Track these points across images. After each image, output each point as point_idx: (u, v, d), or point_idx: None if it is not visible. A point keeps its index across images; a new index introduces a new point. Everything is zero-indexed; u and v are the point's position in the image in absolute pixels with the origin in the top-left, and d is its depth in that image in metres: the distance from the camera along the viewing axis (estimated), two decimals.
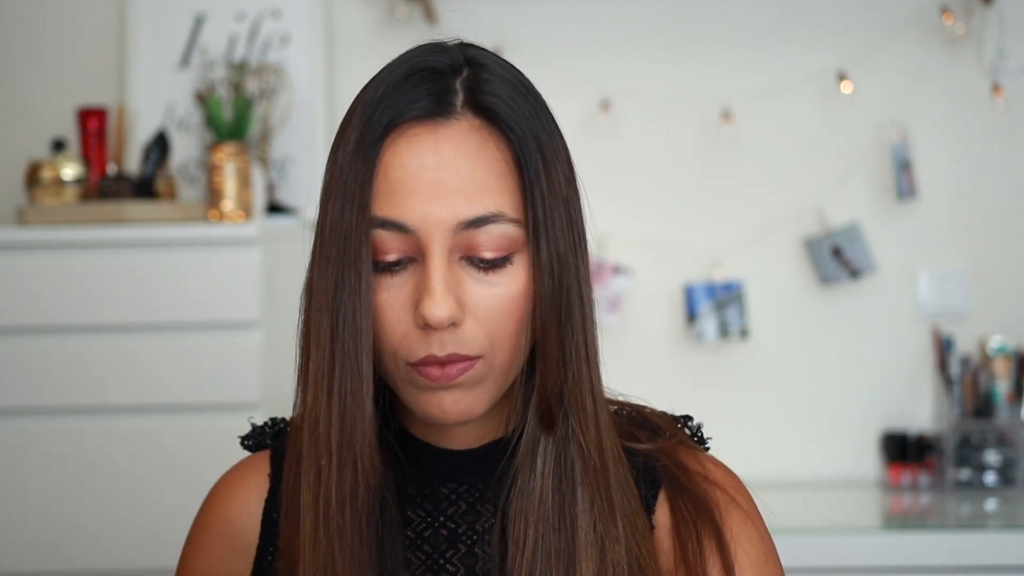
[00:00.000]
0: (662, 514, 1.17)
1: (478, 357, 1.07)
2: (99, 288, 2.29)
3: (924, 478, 2.64)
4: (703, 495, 1.17)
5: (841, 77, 2.70)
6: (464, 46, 1.12)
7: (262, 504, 1.19)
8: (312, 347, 1.08)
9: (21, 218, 2.42)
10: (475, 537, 1.14)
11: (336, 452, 1.07)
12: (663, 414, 1.23)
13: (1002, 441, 2.61)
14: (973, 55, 2.70)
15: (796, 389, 2.76)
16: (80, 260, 2.30)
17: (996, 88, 2.66)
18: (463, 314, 1.06)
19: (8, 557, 2.28)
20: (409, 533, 1.15)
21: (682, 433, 1.22)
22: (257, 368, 2.29)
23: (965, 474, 2.61)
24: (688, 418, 1.24)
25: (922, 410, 2.73)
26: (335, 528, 1.08)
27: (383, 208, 1.06)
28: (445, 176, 1.05)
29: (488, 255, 1.06)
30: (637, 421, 1.21)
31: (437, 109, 1.07)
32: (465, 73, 1.09)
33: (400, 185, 1.06)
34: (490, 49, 1.15)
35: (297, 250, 2.61)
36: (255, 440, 1.25)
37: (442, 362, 1.06)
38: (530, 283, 1.08)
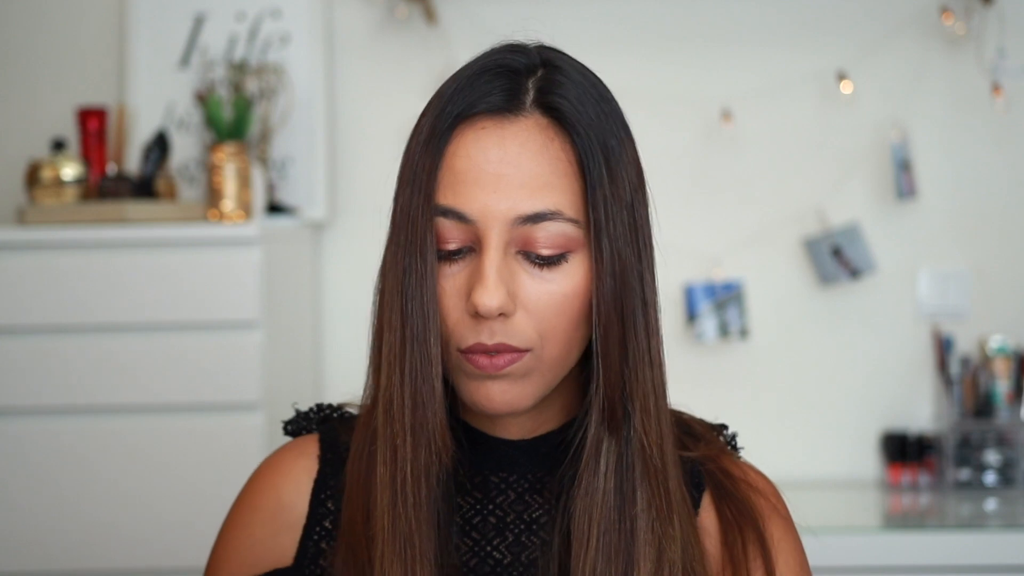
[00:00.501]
0: (706, 518, 1.19)
1: (527, 350, 1.09)
2: (99, 288, 2.29)
3: (924, 478, 2.65)
4: (747, 501, 1.20)
5: (841, 77, 2.70)
6: (543, 48, 1.16)
7: (311, 484, 1.20)
8: (385, 329, 1.11)
9: (21, 218, 2.42)
10: (523, 526, 1.17)
11: (410, 430, 1.10)
12: (701, 421, 1.26)
13: (1002, 441, 2.61)
14: (973, 55, 2.70)
15: (796, 389, 2.76)
16: (80, 260, 2.30)
17: (996, 88, 2.66)
18: (514, 306, 1.08)
19: (8, 557, 2.28)
20: (457, 519, 1.17)
21: (720, 440, 1.25)
22: (257, 368, 2.29)
23: (965, 474, 2.61)
24: (724, 427, 1.28)
25: (922, 410, 2.73)
26: (411, 503, 1.10)
27: (446, 197, 1.09)
28: (508, 170, 1.08)
29: (544, 251, 1.08)
30: (680, 427, 1.23)
31: (506, 105, 1.09)
32: (539, 73, 1.12)
33: (463, 175, 1.09)
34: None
35: (297, 250, 2.61)
36: (297, 425, 1.26)
37: (490, 351, 1.09)
38: (585, 283, 1.09)
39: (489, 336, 1.08)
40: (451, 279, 1.10)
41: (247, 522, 1.21)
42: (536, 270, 1.09)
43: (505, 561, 1.16)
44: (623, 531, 1.11)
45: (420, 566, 1.10)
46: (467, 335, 1.09)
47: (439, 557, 1.12)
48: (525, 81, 1.11)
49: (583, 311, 1.10)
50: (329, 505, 1.19)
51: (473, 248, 1.09)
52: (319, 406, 1.26)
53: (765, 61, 2.74)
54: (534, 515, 1.17)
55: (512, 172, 1.08)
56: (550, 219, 1.08)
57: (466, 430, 1.17)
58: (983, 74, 2.68)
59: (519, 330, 1.09)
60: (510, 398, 1.10)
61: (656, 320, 1.13)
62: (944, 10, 2.69)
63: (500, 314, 1.08)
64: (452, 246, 1.09)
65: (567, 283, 1.09)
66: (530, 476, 1.17)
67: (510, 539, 1.17)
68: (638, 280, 1.11)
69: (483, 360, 1.09)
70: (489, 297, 1.07)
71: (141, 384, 2.29)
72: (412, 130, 1.14)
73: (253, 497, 1.22)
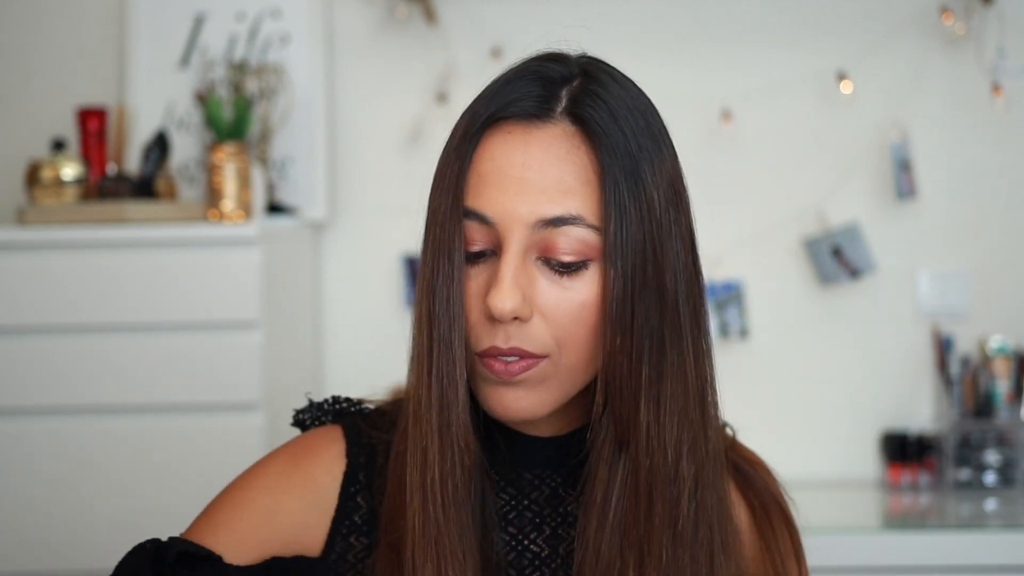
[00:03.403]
0: (739, 511, 1.22)
1: (543, 356, 1.09)
2: (99, 288, 2.29)
3: (924, 478, 2.65)
4: (768, 487, 1.24)
5: (841, 77, 2.70)
6: (585, 59, 1.16)
7: (341, 475, 1.20)
8: (416, 330, 1.12)
9: (21, 218, 2.42)
10: (559, 519, 1.18)
11: (436, 432, 1.11)
12: None
13: (1002, 441, 2.61)
14: (973, 55, 2.70)
15: (796, 389, 2.75)
16: (80, 260, 2.30)
17: (996, 88, 2.66)
18: (530, 310, 1.09)
19: (8, 557, 2.28)
20: (494, 515, 1.17)
21: (724, 431, 1.27)
22: (257, 368, 2.29)
23: (965, 474, 2.61)
24: (724, 424, 1.28)
25: (922, 410, 2.73)
26: (439, 504, 1.11)
27: (471, 199, 1.10)
28: (530, 174, 1.08)
29: (565, 258, 1.09)
30: None
31: (536, 111, 1.10)
32: (576, 83, 1.12)
33: (487, 178, 1.09)
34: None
35: (297, 250, 2.61)
36: (311, 416, 1.26)
37: (505, 355, 1.09)
38: (604, 290, 1.09)
39: (504, 340, 1.09)
40: (474, 280, 1.10)
41: (274, 489, 1.19)
42: (556, 277, 1.09)
43: (543, 554, 1.18)
44: (630, 549, 1.11)
45: (451, 566, 1.11)
46: (483, 338, 1.10)
47: (480, 552, 1.13)
48: (559, 89, 1.11)
49: (602, 318, 1.09)
50: (359, 500, 1.18)
51: (496, 251, 1.10)
52: (335, 398, 1.26)
53: (765, 61, 2.74)
54: (569, 508, 1.18)
55: (534, 176, 1.08)
56: (571, 223, 1.08)
57: (498, 428, 1.17)
58: (983, 74, 2.69)
59: (535, 335, 1.09)
60: (525, 405, 1.11)
61: (690, 337, 1.11)
62: (944, 10, 2.69)
63: (515, 318, 1.08)
64: (477, 248, 1.10)
65: (586, 291, 1.09)
66: (563, 471, 1.18)
67: (547, 532, 1.18)
68: (656, 295, 1.09)
69: (498, 365, 1.09)
70: (503, 300, 1.07)
71: (141, 384, 2.29)
72: (450, 133, 1.15)
73: (282, 467, 1.20)
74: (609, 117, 1.10)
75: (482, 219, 1.09)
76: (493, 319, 1.09)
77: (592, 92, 1.11)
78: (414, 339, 1.13)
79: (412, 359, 1.13)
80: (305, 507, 1.18)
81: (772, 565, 1.21)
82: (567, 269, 1.09)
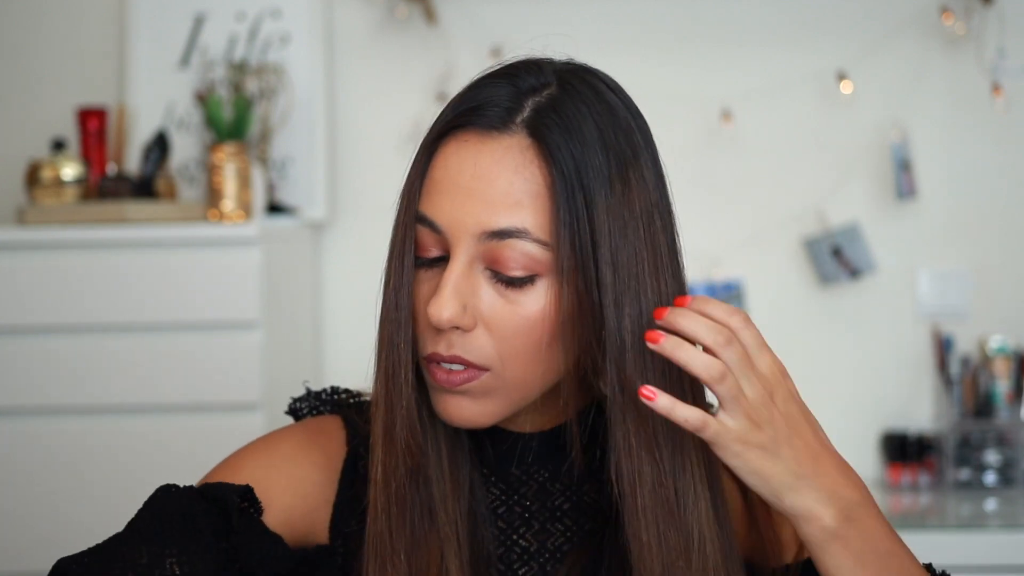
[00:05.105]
0: (734, 495, 1.21)
1: (484, 369, 1.09)
2: (99, 288, 2.29)
3: (924, 478, 2.65)
4: None
5: (841, 77, 2.70)
6: (569, 67, 1.13)
7: (342, 463, 1.20)
8: (377, 331, 1.13)
9: (21, 218, 2.42)
10: (547, 515, 1.18)
11: (382, 432, 1.12)
12: None
13: (1002, 441, 2.62)
14: (973, 55, 2.70)
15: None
16: (80, 260, 2.30)
17: (996, 88, 2.66)
18: (472, 320, 1.08)
19: (8, 557, 2.28)
20: (483, 510, 1.18)
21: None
22: (257, 368, 2.29)
23: (965, 474, 2.61)
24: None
25: (922, 410, 2.73)
26: (380, 505, 1.12)
27: (424, 205, 1.10)
28: (479, 184, 1.08)
29: (511, 272, 1.08)
30: None
31: (495, 122, 1.09)
32: (544, 93, 1.10)
33: (439, 186, 1.10)
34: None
35: (297, 250, 2.61)
36: (309, 404, 1.26)
37: (446, 361, 1.09)
38: (553, 308, 1.08)
39: (446, 347, 1.09)
40: (424, 285, 1.11)
41: (298, 457, 1.18)
42: (502, 288, 1.08)
43: (532, 549, 1.17)
44: (667, 501, 1.11)
45: (389, 564, 1.11)
46: (428, 343, 1.10)
47: (470, 547, 1.14)
48: (526, 99, 1.10)
49: (550, 335, 1.09)
50: (357, 491, 1.18)
51: (447, 258, 1.10)
52: (333, 389, 1.26)
53: (765, 61, 2.74)
54: (556, 503, 1.18)
55: (483, 187, 1.07)
56: (515, 236, 1.07)
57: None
58: (983, 74, 2.69)
59: (477, 346, 1.09)
60: (468, 415, 1.11)
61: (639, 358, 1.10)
62: (944, 10, 2.69)
63: (456, 327, 1.08)
64: (431, 254, 1.10)
65: (532, 306, 1.08)
66: (550, 466, 1.18)
67: (536, 527, 1.18)
68: (614, 309, 1.09)
69: (440, 374, 1.10)
70: (440, 308, 1.07)
71: (141, 384, 2.29)
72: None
73: (301, 441, 1.20)
74: (567, 132, 1.08)
75: (432, 226, 1.09)
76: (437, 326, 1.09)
77: (557, 105, 1.09)
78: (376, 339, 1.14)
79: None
80: (323, 482, 1.18)
81: (761, 542, 1.20)
82: (513, 282, 1.08)
